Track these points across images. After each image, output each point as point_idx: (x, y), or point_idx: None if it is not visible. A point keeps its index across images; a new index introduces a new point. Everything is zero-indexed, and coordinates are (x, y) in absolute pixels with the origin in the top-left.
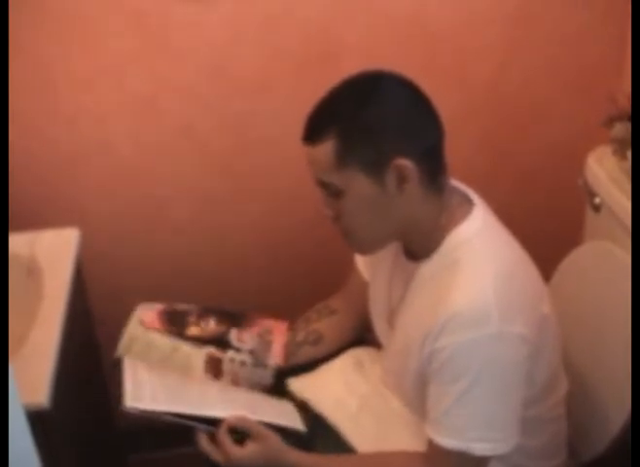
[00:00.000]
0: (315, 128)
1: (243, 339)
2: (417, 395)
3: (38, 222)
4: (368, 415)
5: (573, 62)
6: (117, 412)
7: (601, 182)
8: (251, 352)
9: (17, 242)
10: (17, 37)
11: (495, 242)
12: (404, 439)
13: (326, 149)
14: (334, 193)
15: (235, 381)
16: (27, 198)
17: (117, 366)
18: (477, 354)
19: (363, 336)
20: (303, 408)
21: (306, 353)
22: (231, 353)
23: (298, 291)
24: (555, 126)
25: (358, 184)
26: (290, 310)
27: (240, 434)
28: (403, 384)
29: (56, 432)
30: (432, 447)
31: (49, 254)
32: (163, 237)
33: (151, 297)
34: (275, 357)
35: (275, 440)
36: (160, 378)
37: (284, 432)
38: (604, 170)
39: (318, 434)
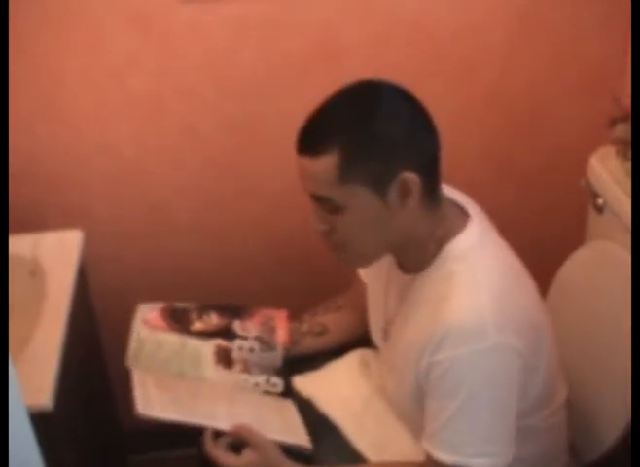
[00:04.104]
0: (315, 141)
1: (247, 327)
2: (415, 408)
3: (41, 224)
4: (371, 417)
5: (576, 64)
6: (122, 412)
7: (604, 183)
8: (257, 338)
9: (20, 244)
10: (19, 38)
11: (491, 256)
12: (405, 443)
13: (327, 163)
14: (331, 208)
15: (247, 368)
16: (30, 201)
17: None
18: (473, 368)
19: (368, 334)
20: (308, 406)
21: (309, 343)
22: (238, 342)
23: (300, 291)
24: (558, 128)
25: (360, 199)
26: (292, 310)
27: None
28: (400, 397)
29: (59, 433)
30: (430, 461)
31: (52, 256)
32: (166, 238)
33: (154, 297)
34: (281, 338)
35: (274, 451)
36: (168, 395)
37: (288, 450)
38: (607, 171)
39: (321, 434)
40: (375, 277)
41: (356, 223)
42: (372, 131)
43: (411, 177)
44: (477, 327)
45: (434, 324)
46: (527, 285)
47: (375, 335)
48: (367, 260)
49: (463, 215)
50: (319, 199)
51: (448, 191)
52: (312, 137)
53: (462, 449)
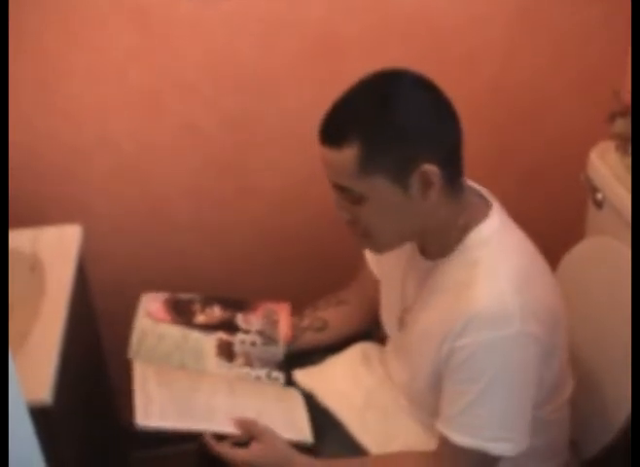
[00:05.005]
0: (337, 132)
1: (250, 321)
2: (429, 394)
3: (40, 219)
4: (373, 411)
5: (576, 59)
6: (121, 408)
7: (603, 178)
8: (259, 332)
9: (19, 239)
10: (19, 33)
11: (513, 243)
12: (409, 436)
13: (349, 155)
14: (353, 198)
15: (249, 362)
16: (29, 195)
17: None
18: (496, 354)
19: (370, 329)
20: (309, 401)
21: (310, 339)
22: (240, 335)
23: (299, 288)
24: (558, 122)
25: (381, 190)
26: (292, 307)
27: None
28: (415, 383)
29: (59, 429)
30: (445, 445)
31: (51, 250)
32: (165, 235)
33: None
34: (284, 333)
35: (280, 442)
36: (168, 390)
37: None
38: (606, 166)
39: (323, 428)
40: (390, 266)
41: (377, 213)
42: (392, 124)
43: (432, 169)
44: (501, 313)
45: (457, 310)
46: (547, 273)
47: (389, 324)
48: (390, 247)
49: (485, 203)
50: (341, 189)
51: (469, 181)
52: (334, 128)
53: (480, 433)
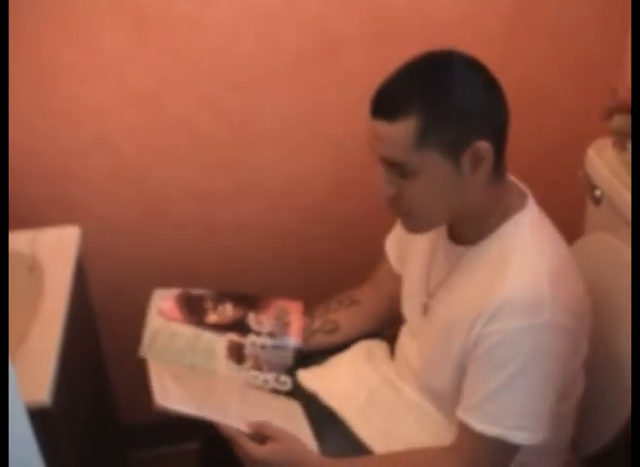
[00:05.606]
0: (393, 104)
1: (261, 321)
2: (447, 382)
3: (39, 220)
4: (376, 409)
5: (573, 55)
6: (121, 408)
7: (601, 174)
8: (270, 334)
9: (18, 240)
10: (17, 34)
11: (548, 234)
12: (412, 433)
13: (405, 128)
14: (403, 172)
15: (258, 365)
16: (28, 196)
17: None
18: (527, 342)
19: (380, 330)
20: (312, 400)
21: (320, 341)
22: (251, 337)
23: (301, 288)
24: (555, 119)
25: (433, 165)
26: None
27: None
28: (434, 370)
29: (58, 429)
30: (465, 432)
31: (50, 252)
32: (164, 235)
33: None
34: (294, 337)
35: (296, 442)
36: (185, 390)
37: None
38: (604, 162)
39: (327, 428)
40: (417, 252)
41: (425, 188)
42: (450, 98)
43: (484, 145)
44: (534, 302)
45: (490, 295)
46: (576, 266)
47: (412, 311)
48: (430, 226)
49: (521, 194)
50: (391, 164)
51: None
52: (390, 101)
53: (502, 421)
